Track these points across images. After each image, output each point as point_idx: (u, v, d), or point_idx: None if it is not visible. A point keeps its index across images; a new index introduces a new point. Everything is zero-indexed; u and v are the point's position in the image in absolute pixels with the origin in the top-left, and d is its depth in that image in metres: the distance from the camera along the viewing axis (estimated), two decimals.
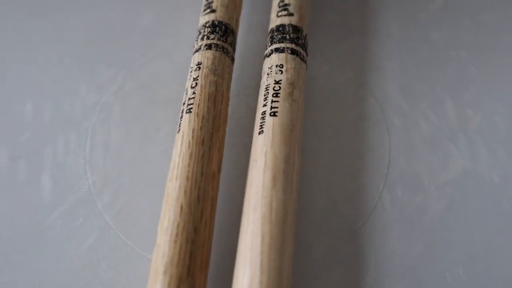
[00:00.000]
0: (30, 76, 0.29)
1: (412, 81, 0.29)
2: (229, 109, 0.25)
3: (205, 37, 0.26)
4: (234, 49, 0.27)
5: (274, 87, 0.24)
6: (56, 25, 0.31)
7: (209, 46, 0.26)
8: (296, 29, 0.26)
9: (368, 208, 0.24)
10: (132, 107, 0.28)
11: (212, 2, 0.27)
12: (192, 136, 0.22)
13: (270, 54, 0.26)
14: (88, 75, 0.29)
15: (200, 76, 0.24)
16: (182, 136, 0.23)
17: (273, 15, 0.28)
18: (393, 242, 0.23)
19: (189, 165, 0.22)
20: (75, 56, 0.30)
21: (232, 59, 0.26)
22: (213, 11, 0.27)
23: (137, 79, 0.29)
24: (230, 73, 0.26)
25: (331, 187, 0.25)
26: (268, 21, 0.29)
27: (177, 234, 0.20)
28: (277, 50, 0.25)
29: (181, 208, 0.20)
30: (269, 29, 0.27)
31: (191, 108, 0.23)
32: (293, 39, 0.26)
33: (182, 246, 0.20)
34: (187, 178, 0.21)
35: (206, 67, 0.25)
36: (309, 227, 0.23)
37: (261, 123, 0.23)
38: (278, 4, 0.28)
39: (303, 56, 0.26)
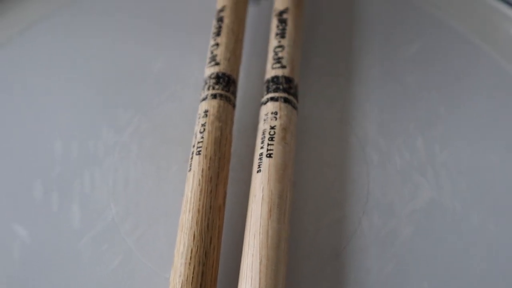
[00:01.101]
0: (58, 118, 0.34)
1: (388, 121, 0.34)
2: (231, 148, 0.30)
3: (211, 87, 0.31)
4: (235, 97, 0.31)
5: (270, 131, 0.29)
6: (80, 72, 0.36)
7: (214, 96, 0.30)
8: (288, 80, 0.31)
9: (350, 233, 0.29)
10: (147, 146, 0.32)
11: (216, 55, 0.32)
12: (202, 175, 0.27)
13: (266, 102, 0.30)
14: (108, 117, 0.34)
15: (207, 122, 0.29)
16: (193, 175, 0.27)
17: (268, 66, 0.32)
18: (370, 261, 0.28)
19: (199, 200, 0.26)
20: (96, 100, 0.35)
21: (234, 106, 0.31)
22: (217, 64, 0.32)
23: (151, 120, 0.34)
24: (232, 119, 0.30)
25: (318, 216, 0.29)
26: (262, 68, 0.34)
27: (191, 258, 0.24)
28: (272, 99, 0.30)
29: (194, 236, 0.25)
30: (265, 79, 0.32)
31: (200, 150, 0.28)
32: (286, 89, 0.30)
33: (195, 268, 0.24)
34: (198, 210, 0.26)
35: (212, 115, 0.29)
36: (299, 249, 0.28)
37: (259, 163, 0.27)
38: (273, 57, 0.32)
39: (294, 103, 0.30)
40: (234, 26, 0.34)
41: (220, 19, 0.34)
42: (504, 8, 0.39)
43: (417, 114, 0.34)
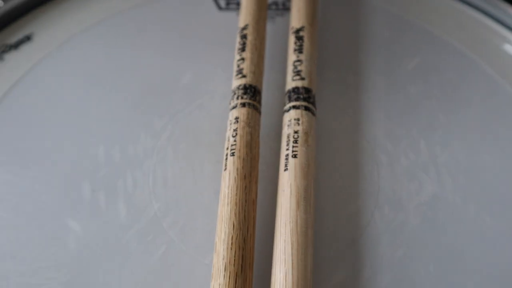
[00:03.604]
0: (101, 126, 0.38)
1: (394, 127, 0.38)
2: None
3: (239, 97, 0.35)
4: (260, 105, 0.35)
5: (294, 135, 0.33)
6: (118, 84, 0.40)
7: (243, 104, 0.34)
8: (307, 90, 0.35)
9: (364, 223, 0.33)
10: (181, 149, 0.36)
11: (243, 69, 0.36)
12: (237, 174, 0.31)
13: (289, 110, 0.34)
14: (145, 125, 0.37)
15: (238, 127, 0.33)
16: (229, 173, 0.31)
17: (288, 78, 0.37)
18: (383, 247, 0.32)
19: (236, 195, 0.30)
20: (134, 110, 0.38)
21: (260, 113, 0.35)
22: (244, 76, 0.36)
23: (183, 127, 0.38)
24: (259, 125, 0.34)
25: (337, 209, 0.33)
26: (281, 79, 0.38)
27: (232, 244, 0.28)
28: (294, 107, 0.34)
29: (233, 225, 0.29)
30: (286, 90, 0.36)
31: (234, 152, 0.32)
32: (306, 98, 0.35)
33: (236, 252, 0.28)
34: (236, 204, 0.30)
35: (243, 121, 0.33)
36: (322, 237, 0.32)
37: (285, 163, 0.31)
38: (293, 70, 0.37)
39: (313, 111, 0.34)
40: (256, 42, 0.38)
41: (243, 36, 0.38)
42: (493, 24, 0.44)
43: (419, 120, 0.38)
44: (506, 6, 0.43)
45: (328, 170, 0.35)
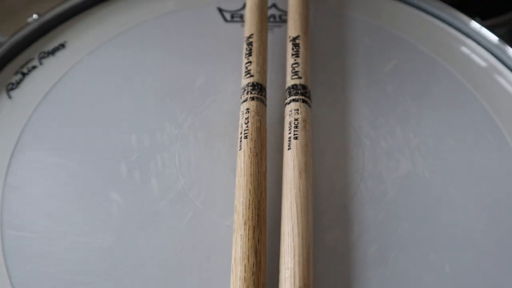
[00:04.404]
0: (132, 119, 0.45)
1: (375, 117, 0.46)
2: None
3: (249, 92, 0.42)
4: (266, 99, 0.43)
5: (294, 122, 0.40)
6: (145, 83, 0.47)
7: (252, 98, 0.42)
8: (304, 87, 0.43)
9: (352, 193, 0.40)
10: (200, 137, 0.44)
11: (251, 70, 0.44)
12: (250, 152, 0.38)
13: (289, 102, 0.42)
14: (169, 117, 0.45)
15: (249, 116, 0.40)
16: (244, 152, 0.38)
17: (288, 77, 0.44)
18: (367, 211, 0.39)
19: (250, 168, 0.37)
20: (159, 104, 0.46)
21: (265, 105, 0.42)
22: (251, 76, 0.44)
23: (201, 119, 0.45)
24: (265, 114, 0.42)
25: (330, 181, 0.41)
26: (282, 75, 0.46)
27: (249, 205, 0.35)
28: (294, 100, 0.42)
29: (250, 191, 0.36)
30: (286, 87, 0.44)
31: (247, 135, 0.39)
32: (303, 93, 0.42)
33: (253, 211, 0.35)
34: (250, 174, 0.37)
35: (253, 111, 0.41)
36: (319, 203, 0.39)
37: (288, 143, 0.39)
38: (291, 71, 0.44)
39: (309, 103, 0.42)
40: (260, 49, 0.46)
41: (249, 44, 0.46)
42: (452, 31, 0.53)
43: (395, 112, 0.46)
44: (462, 15, 0.53)
45: (322, 152, 0.43)
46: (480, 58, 0.51)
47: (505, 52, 0.49)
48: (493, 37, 0.50)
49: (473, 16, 0.53)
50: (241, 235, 0.34)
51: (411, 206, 0.40)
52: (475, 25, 0.52)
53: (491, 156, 0.43)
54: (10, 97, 0.46)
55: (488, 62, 0.50)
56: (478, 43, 0.52)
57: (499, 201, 0.41)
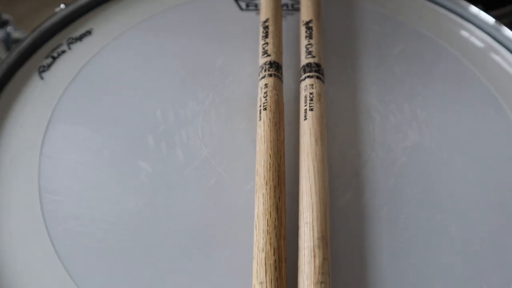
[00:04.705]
0: (157, 96, 0.48)
1: (384, 95, 0.49)
2: None
3: (266, 69, 0.45)
4: (282, 76, 0.46)
5: (310, 96, 0.43)
6: (170, 65, 0.50)
7: (270, 75, 0.45)
8: (317, 65, 0.46)
9: (364, 161, 0.43)
10: (221, 112, 0.47)
11: (268, 50, 0.47)
12: (270, 121, 0.41)
13: (304, 79, 0.45)
14: (191, 94, 0.48)
15: (268, 91, 0.44)
16: (264, 122, 0.41)
17: (302, 57, 0.47)
18: (378, 177, 0.42)
19: (270, 136, 0.40)
20: (183, 83, 0.49)
21: (282, 81, 0.45)
22: (268, 55, 0.47)
23: (221, 96, 0.48)
24: (282, 89, 0.45)
25: (343, 151, 0.44)
26: (295, 58, 0.49)
27: (269, 167, 0.38)
28: (308, 76, 0.45)
29: (270, 155, 0.39)
30: (301, 65, 0.47)
31: (266, 107, 0.42)
32: (317, 70, 0.45)
33: (273, 172, 0.38)
34: (270, 141, 0.40)
35: (271, 86, 0.44)
36: (333, 169, 0.42)
37: (305, 114, 0.42)
38: (305, 51, 0.47)
39: (323, 79, 0.45)
40: (276, 32, 0.49)
41: (266, 27, 0.49)
42: (454, 16, 0.56)
43: (403, 90, 0.49)
44: (461, 1, 0.56)
45: (336, 126, 0.46)
46: (478, 39, 0.54)
47: (500, 32, 0.53)
48: (490, 19, 0.54)
49: (476, 4, 0.56)
50: (263, 193, 0.37)
51: (419, 172, 0.43)
52: (473, 9, 0.55)
53: (492, 127, 0.46)
54: (42, 78, 0.50)
55: (485, 43, 0.54)
56: (477, 26, 0.55)
57: (500, 168, 0.44)
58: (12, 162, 0.43)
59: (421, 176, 0.43)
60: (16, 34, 0.85)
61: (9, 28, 0.83)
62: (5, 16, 0.84)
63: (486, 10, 0.57)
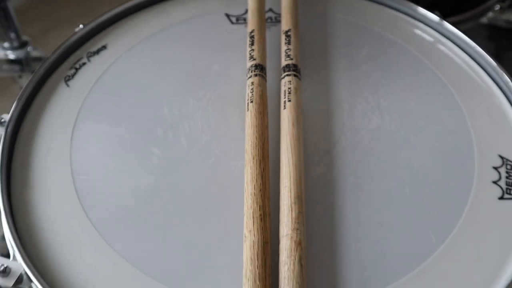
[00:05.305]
0: (164, 95, 0.58)
1: (352, 89, 0.58)
2: None
3: (253, 71, 0.55)
4: (266, 75, 0.56)
5: (288, 89, 0.53)
6: (174, 70, 0.60)
7: (256, 75, 0.55)
8: (295, 66, 0.56)
9: (335, 141, 0.53)
10: (217, 107, 0.57)
11: (254, 55, 0.57)
12: (256, 111, 0.51)
13: (284, 77, 0.55)
14: (191, 94, 0.58)
15: (254, 87, 0.53)
16: (251, 112, 0.51)
17: (282, 60, 0.57)
18: (346, 154, 0.52)
19: (256, 122, 0.50)
20: (184, 85, 0.59)
21: (266, 80, 0.55)
22: (254, 59, 0.57)
23: (216, 95, 0.58)
24: (265, 86, 0.55)
25: (317, 133, 0.54)
26: (276, 61, 0.59)
27: (256, 145, 0.48)
28: (287, 75, 0.55)
29: (256, 137, 0.49)
30: (281, 66, 0.57)
31: (252, 100, 0.52)
32: (294, 69, 0.55)
33: (259, 149, 0.48)
34: (256, 126, 0.50)
35: (256, 83, 0.54)
36: (308, 148, 0.52)
37: (284, 104, 0.52)
38: (285, 54, 0.57)
39: (299, 77, 0.55)
40: (260, 39, 0.59)
41: (252, 37, 0.59)
42: (407, 18, 0.66)
43: (368, 84, 0.59)
44: (412, 5, 0.67)
45: (311, 114, 0.56)
46: (427, 34, 0.65)
47: (443, 27, 0.64)
48: (435, 17, 0.65)
49: (433, 11, 0.66)
50: (250, 166, 0.47)
51: (380, 149, 0.53)
52: (422, 10, 0.66)
53: (440, 109, 0.56)
54: (68, 85, 0.60)
55: (433, 37, 0.64)
56: (425, 24, 0.66)
57: (445, 142, 0.54)
58: (49, 152, 0.53)
59: (381, 152, 0.52)
60: (35, 53, 0.96)
61: (29, 48, 0.93)
62: (25, 38, 0.95)
63: (451, 16, 0.67)
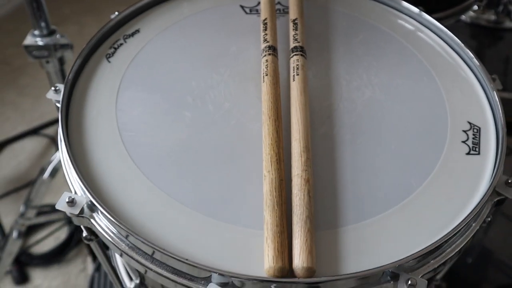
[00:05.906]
0: (192, 71, 0.69)
1: (349, 68, 0.70)
2: None
3: (266, 51, 0.67)
4: (277, 55, 0.67)
5: (296, 66, 0.64)
6: (197, 53, 0.72)
7: (269, 54, 0.66)
8: (301, 47, 0.67)
9: (334, 108, 0.64)
10: (237, 81, 0.68)
11: (267, 38, 0.68)
12: (270, 82, 0.62)
13: (292, 56, 0.66)
14: (214, 70, 0.69)
15: (268, 64, 0.65)
16: (266, 83, 0.63)
17: (291, 43, 0.69)
18: (344, 118, 0.63)
19: (270, 91, 0.62)
20: (208, 63, 0.70)
21: (277, 59, 0.67)
22: (268, 41, 0.68)
23: (235, 70, 0.69)
24: (277, 63, 0.66)
25: (320, 102, 0.65)
26: (286, 45, 0.70)
27: (271, 108, 0.59)
28: (295, 54, 0.66)
29: (271, 101, 0.60)
30: (290, 48, 0.68)
31: (267, 73, 0.63)
32: (301, 50, 0.67)
33: (274, 111, 0.59)
34: (270, 94, 0.61)
35: (270, 61, 0.65)
36: (313, 113, 0.63)
37: (293, 77, 0.63)
38: (293, 38, 0.69)
39: (305, 56, 0.67)
40: (272, 26, 0.70)
41: (265, 24, 0.71)
42: (396, 12, 0.78)
43: (363, 65, 0.71)
44: (398, 0, 0.79)
45: (315, 88, 0.67)
46: (409, 24, 0.77)
47: (423, 17, 0.77)
48: (415, 10, 0.77)
49: (417, 6, 0.78)
50: (267, 124, 0.58)
51: (372, 115, 0.64)
52: (405, 4, 0.78)
53: (423, 87, 0.68)
54: (109, 62, 0.70)
55: (415, 26, 0.77)
56: (407, 15, 0.78)
57: (424, 112, 0.65)
58: (98, 114, 0.64)
59: (373, 117, 0.64)
60: (62, 40, 1.06)
61: (57, 36, 1.04)
62: (52, 27, 1.06)
63: (435, 12, 0.79)
